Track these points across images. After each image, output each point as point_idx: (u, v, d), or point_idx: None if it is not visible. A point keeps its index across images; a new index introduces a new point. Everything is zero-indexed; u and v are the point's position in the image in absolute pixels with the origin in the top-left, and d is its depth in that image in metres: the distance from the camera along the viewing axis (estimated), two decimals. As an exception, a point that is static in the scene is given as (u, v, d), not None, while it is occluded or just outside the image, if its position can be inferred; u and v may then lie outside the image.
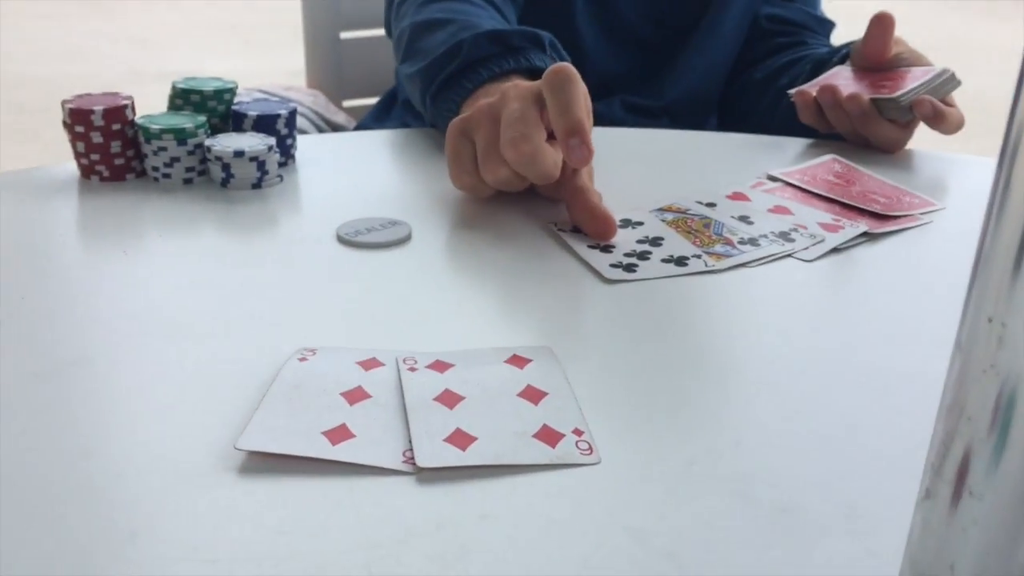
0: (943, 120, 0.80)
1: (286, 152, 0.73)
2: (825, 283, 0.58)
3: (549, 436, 0.40)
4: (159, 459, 0.38)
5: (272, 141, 0.69)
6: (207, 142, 0.69)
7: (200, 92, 0.73)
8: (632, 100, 1.11)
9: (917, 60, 0.88)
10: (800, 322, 0.53)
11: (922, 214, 0.68)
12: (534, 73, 0.72)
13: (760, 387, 0.45)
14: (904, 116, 0.81)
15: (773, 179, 0.73)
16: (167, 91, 0.74)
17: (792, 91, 0.87)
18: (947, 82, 0.81)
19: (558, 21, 1.04)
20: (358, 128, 1.24)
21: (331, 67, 1.35)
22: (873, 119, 0.81)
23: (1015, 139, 0.20)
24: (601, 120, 1.07)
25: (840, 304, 0.56)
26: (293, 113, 0.73)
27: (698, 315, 0.53)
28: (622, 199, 0.68)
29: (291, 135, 0.73)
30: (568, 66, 0.62)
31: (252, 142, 0.69)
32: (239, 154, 0.67)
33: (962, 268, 0.61)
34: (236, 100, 0.75)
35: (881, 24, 0.87)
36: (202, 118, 0.70)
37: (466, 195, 0.69)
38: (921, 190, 0.73)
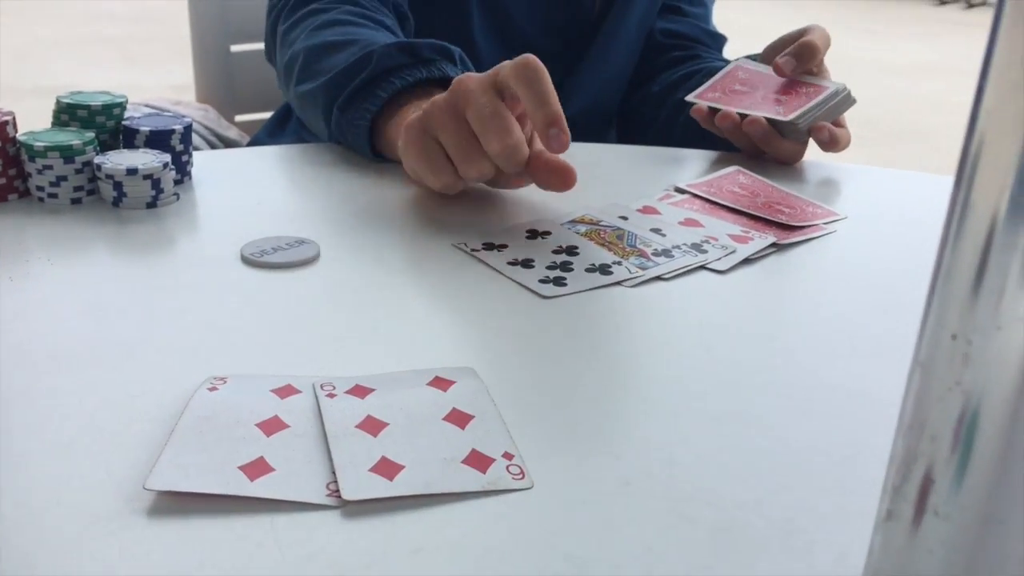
0: (836, 144, 0.82)
1: (182, 169, 0.70)
2: (740, 294, 0.58)
3: (479, 461, 0.39)
4: (59, 503, 0.35)
5: (167, 158, 0.66)
6: (96, 160, 0.65)
7: (88, 107, 0.69)
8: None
9: (820, 74, 0.90)
10: (719, 333, 0.53)
11: (825, 223, 0.69)
12: (445, 84, 0.70)
13: (687, 401, 0.45)
14: (801, 138, 0.83)
15: (680, 191, 0.73)
16: (48, 106, 0.70)
17: (689, 96, 0.88)
18: (844, 101, 0.83)
19: (454, 34, 1.03)
20: (252, 143, 1.20)
21: (221, 81, 1.31)
22: (773, 138, 0.83)
23: (973, 156, 0.20)
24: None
25: (756, 314, 0.56)
26: (189, 128, 0.70)
27: (620, 329, 0.53)
28: (531, 211, 0.68)
29: (187, 151, 0.70)
30: (534, 58, 0.63)
31: (146, 159, 0.65)
32: (132, 172, 0.64)
33: (869, 275, 0.62)
34: (126, 115, 0.71)
35: (808, 49, 0.88)
36: (90, 134, 0.66)
37: (372, 212, 0.67)
38: (819, 199, 0.74)
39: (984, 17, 8.06)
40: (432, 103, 0.65)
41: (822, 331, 0.54)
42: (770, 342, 0.52)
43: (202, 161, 0.76)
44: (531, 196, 0.72)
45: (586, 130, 1.13)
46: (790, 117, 0.81)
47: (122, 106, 0.71)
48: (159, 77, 3.95)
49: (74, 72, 4.18)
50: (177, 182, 0.70)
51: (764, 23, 7.06)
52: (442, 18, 1.04)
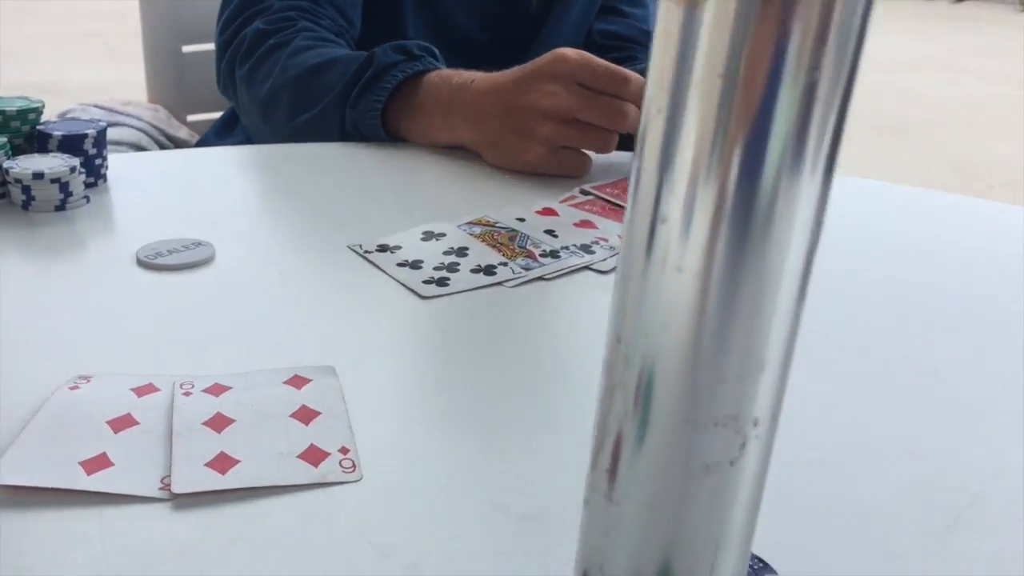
0: None
1: (95, 172, 0.72)
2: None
3: (314, 455, 0.41)
4: (-97, 497, 0.37)
5: (76, 162, 0.68)
6: (6, 164, 0.67)
7: (2, 112, 0.71)
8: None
9: None
10: (589, 333, 0.55)
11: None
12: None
13: (531, 397, 0.47)
14: None
15: (585, 193, 0.75)
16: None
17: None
18: None
19: (388, 30, 1.05)
20: (199, 144, 1.22)
21: (173, 81, 1.33)
22: None
23: (641, 139, 0.22)
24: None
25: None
26: (103, 132, 0.72)
27: (493, 328, 0.55)
28: (431, 213, 0.69)
29: (100, 155, 0.72)
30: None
31: (54, 163, 0.67)
32: (39, 176, 0.66)
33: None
34: (43, 120, 0.73)
35: None
36: (3, 139, 0.68)
37: (276, 215, 0.69)
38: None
39: (973, 11, 8.08)
40: (537, 129, 0.79)
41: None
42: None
43: (122, 164, 0.78)
44: (433, 197, 0.74)
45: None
46: None
47: (38, 111, 0.72)
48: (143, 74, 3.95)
49: (57, 69, 4.19)
50: (90, 185, 0.72)
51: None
52: (376, 15, 1.05)
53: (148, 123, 1.24)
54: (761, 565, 0.36)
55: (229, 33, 0.95)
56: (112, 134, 1.18)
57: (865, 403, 0.49)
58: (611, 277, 0.61)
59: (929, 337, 0.57)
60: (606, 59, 1.17)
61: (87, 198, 0.70)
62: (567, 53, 0.77)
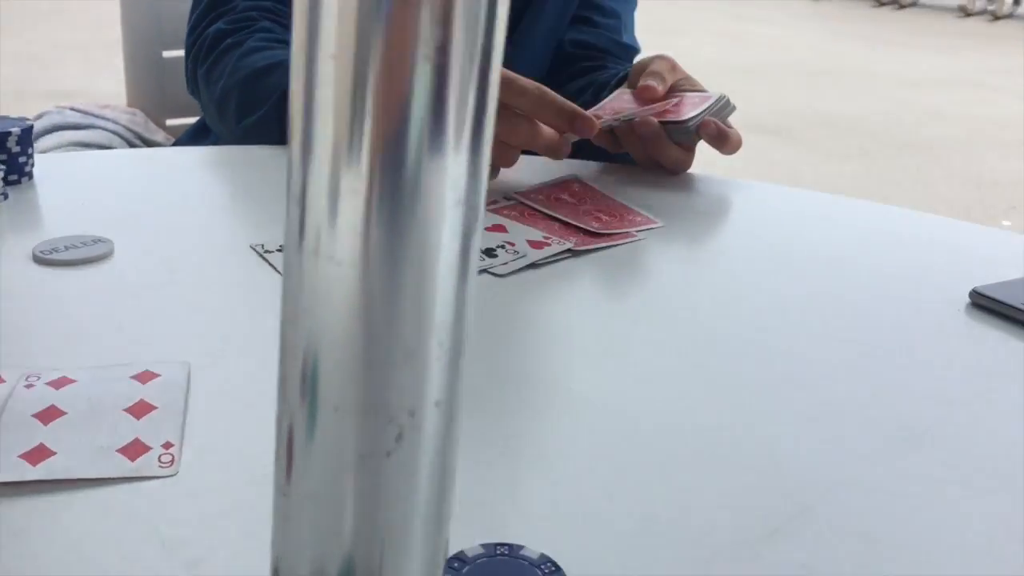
0: (726, 141, 0.83)
1: (18, 170, 0.73)
2: (510, 298, 0.59)
3: (135, 450, 0.41)
4: None
5: (-7, 159, 0.68)
6: (-77, 160, 0.68)
7: (-70, 109, 0.72)
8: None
9: (693, 86, 0.91)
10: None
11: (637, 231, 0.71)
12: None
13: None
14: (690, 139, 0.84)
15: (509, 199, 0.74)
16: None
17: None
18: (724, 107, 0.85)
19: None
20: (175, 146, 1.23)
21: (152, 86, 1.34)
22: (662, 142, 0.84)
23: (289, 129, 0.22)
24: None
25: (514, 318, 0.57)
26: (28, 130, 0.73)
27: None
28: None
29: (25, 152, 0.73)
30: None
31: (-30, 160, 0.68)
32: (-48, 172, 0.67)
33: (642, 285, 0.63)
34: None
35: (643, 90, 0.89)
36: (-73, 136, 0.69)
37: (185, 213, 0.69)
38: (660, 209, 0.75)
39: (1010, 30, 7.97)
40: None
41: (573, 336, 0.55)
42: (511, 346, 0.54)
43: (49, 163, 0.78)
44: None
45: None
46: (682, 118, 0.82)
47: (-33, 109, 0.73)
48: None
49: (84, 76, 4.26)
50: (13, 182, 0.72)
51: (790, 35, 7.06)
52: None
53: (124, 126, 1.26)
54: (553, 569, 0.35)
55: (196, 34, 0.96)
56: (83, 136, 1.19)
57: (709, 408, 0.48)
58: (509, 281, 0.61)
59: (792, 345, 0.56)
60: (577, 68, 1.17)
61: (5, 195, 0.70)
62: None
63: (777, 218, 0.79)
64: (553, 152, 0.76)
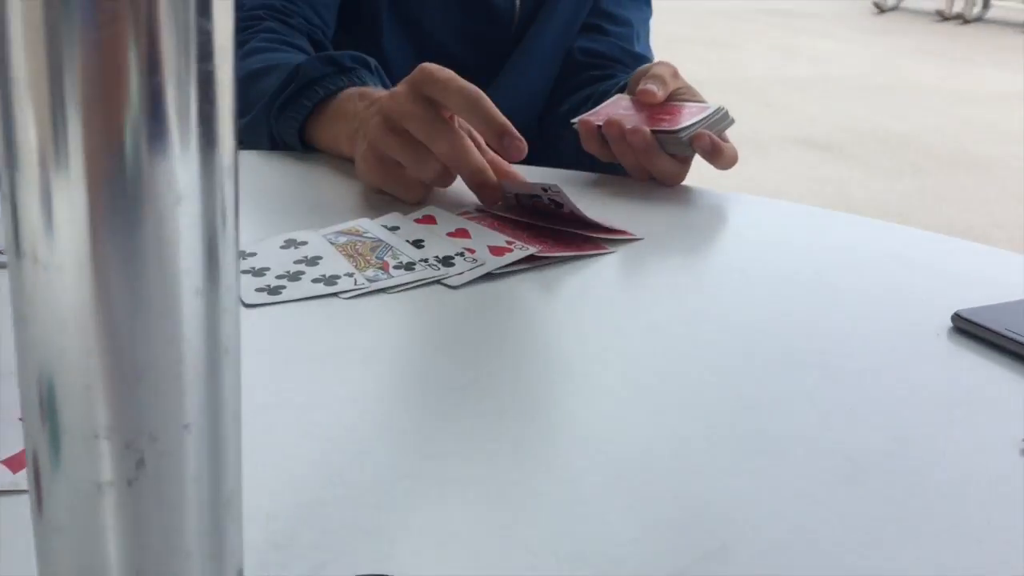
0: (720, 155, 0.80)
1: None
2: (460, 311, 0.57)
3: (19, 461, 0.39)
4: None
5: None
6: None
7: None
8: (441, 127, 1.10)
9: (693, 96, 0.88)
10: (404, 351, 0.52)
11: (606, 241, 0.68)
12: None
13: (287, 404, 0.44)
14: (684, 151, 0.81)
15: (480, 208, 0.72)
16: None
17: (575, 120, 0.87)
18: (721, 119, 0.82)
19: (363, 44, 1.04)
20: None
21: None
22: (654, 152, 0.81)
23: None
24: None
25: (472, 332, 0.55)
26: None
27: (313, 342, 0.52)
28: (327, 218, 0.67)
29: None
30: (462, 83, 0.70)
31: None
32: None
33: (612, 297, 0.60)
34: None
35: (643, 94, 0.86)
36: None
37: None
38: (649, 220, 0.72)
39: (1078, 45, 7.74)
40: (369, 128, 0.71)
41: (527, 350, 0.52)
42: (456, 361, 0.51)
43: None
44: (326, 204, 0.72)
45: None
46: (675, 128, 0.79)
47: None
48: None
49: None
50: None
51: (847, 49, 6.94)
52: (353, 27, 1.04)
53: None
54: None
55: None
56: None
57: (642, 433, 0.45)
58: (461, 293, 0.58)
59: (755, 368, 0.52)
60: (585, 77, 1.14)
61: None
62: (431, 68, 0.71)
63: (763, 233, 0.75)
64: (479, 190, 0.71)
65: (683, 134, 0.79)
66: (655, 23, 1.22)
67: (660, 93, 0.85)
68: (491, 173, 0.70)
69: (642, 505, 0.40)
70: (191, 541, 0.22)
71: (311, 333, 0.53)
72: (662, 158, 0.82)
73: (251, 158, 0.82)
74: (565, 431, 0.45)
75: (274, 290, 0.57)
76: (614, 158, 0.85)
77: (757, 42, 6.92)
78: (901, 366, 0.54)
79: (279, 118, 0.82)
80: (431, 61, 1.11)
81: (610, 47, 1.14)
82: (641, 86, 0.85)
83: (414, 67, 1.08)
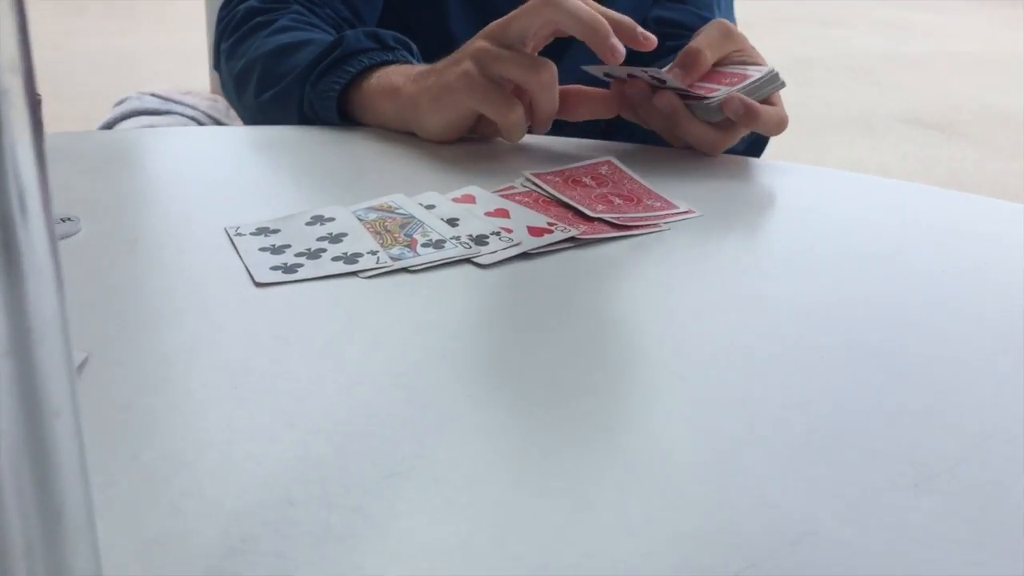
0: (756, 118, 0.73)
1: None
2: (485, 292, 0.52)
3: None
4: None
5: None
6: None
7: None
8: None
9: (752, 58, 0.81)
10: (406, 333, 0.47)
11: (664, 221, 0.62)
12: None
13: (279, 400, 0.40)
14: (715, 116, 0.74)
15: (527, 182, 0.67)
16: None
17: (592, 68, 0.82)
18: (769, 82, 0.74)
19: (429, 26, 1.00)
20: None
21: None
22: (684, 118, 0.75)
23: None
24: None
25: (499, 315, 0.50)
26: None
27: (320, 322, 0.48)
28: (363, 194, 0.63)
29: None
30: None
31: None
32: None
33: (662, 279, 0.55)
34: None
35: (686, 56, 0.80)
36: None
37: (167, 198, 0.65)
38: (700, 194, 0.66)
39: None
40: (470, 51, 0.73)
41: (539, 341, 0.47)
42: (474, 346, 0.46)
43: (65, 143, 0.76)
44: (367, 181, 0.68)
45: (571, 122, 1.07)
46: (707, 97, 0.73)
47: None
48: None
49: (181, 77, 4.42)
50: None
51: (960, 23, 6.61)
52: (417, 9, 1.00)
53: (203, 112, 1.25)
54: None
55: (229, 8, 0.93)
56: (157, 121, 1.19)
57: (698, 433, 0.39)
58: (491, 272, 0.54)
59: (815, 361, 0.46)
60: (663, 48, 1.07)
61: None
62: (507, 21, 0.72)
63: (839, 209, 0.68)
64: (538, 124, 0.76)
65: (711, 100, 0.72)
66: (760, 1, 1.15)
67: (707, 54, 0.78)
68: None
69: (673, 512, 0.34)
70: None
71: (320, 314, 0.49)
72: (695, 124, 0.75)
73: (286, 132, 0.79)
74: (590, 427, 0.40)
75: (290, 268, 0.53)
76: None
77: (865, 17, 6.65)
78: (981, 359, 0.46)
79: (315, 87, 0.79)
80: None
81: (687, 15, 1.07)
82: (685, 49, 0.78)
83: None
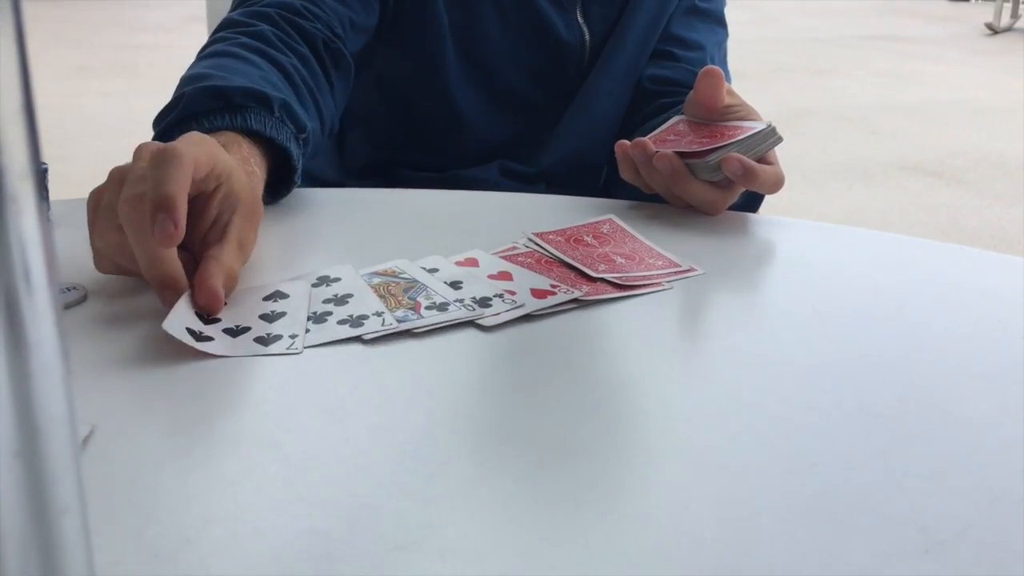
0: (754, 178, 0.73)
1: (30, 216, 0.71)
2: (487, 355, 0.52)
3: None
4: None
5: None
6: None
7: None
8: (510, 165, 1.07)
9: (748, 115, 0.82)
10: (431, 393, 0.47)
11: (667, 280, 0.62)
12: (250, 134, 0.69)
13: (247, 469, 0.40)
14: (715, 176, 0.75)
15: (530, 243, 0.67)
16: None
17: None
18: (766, 137, 0.75)
19: (427, 83, 1.01)
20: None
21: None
22: (684, 178, 0.76)
23: None
24: (478, 185, 1.02)
25: (503, 377, 0.50)
26: (42, 174, 0.71)
27: (324, 390, 0.48)
28: (360, 259, 0.64)
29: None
30: (171, 146, 0.56)
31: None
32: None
33: (665, 341, 0.55)
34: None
35: (709, 76, 0.82)
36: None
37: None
38: (697, 252, 0.66)
39: None
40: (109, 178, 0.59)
41: (543, 404, 0.47)
42: (480, 410, 0.46)
43: (67, 210, 0.76)
44: (388, 242, 0.68)
45: (567, 181, 1.07)
46: (701, 150, 0.74)
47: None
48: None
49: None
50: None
51: (959, 72, 6.68)
52: (414, 66, 1.01)
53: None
54: None
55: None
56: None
57: (678, 496, 0.39)
58: (495, 335, 0.54)
59: (821, 423, 0.46)
60: (657, 105, 1.08)
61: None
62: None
63: (839, 264, 0.68)
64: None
65: (710, 159, 0.73)
66: (754, 53, 1.16)
67: (722, 94, 0.78)
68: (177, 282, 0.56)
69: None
70: None
71: (326, 381, 0.49)
72: (694, 184, 0.75)
73: (289, 195, 0.79)
74: (597, 493, 0.40)
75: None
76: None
77: (863, 68, 6.72)
78: (990, 419, 0.46)
79: (156, 127, 0.73)
80: (497, 98, 1.07)
81: (681, 73, 1.08)
82: (698, 88, 0.79)
83: (480, 105, 1.05)
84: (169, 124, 0.72)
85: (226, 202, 0.60)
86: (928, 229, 3.37)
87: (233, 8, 0.91)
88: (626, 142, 0.79)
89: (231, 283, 0.57)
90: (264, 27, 0.84)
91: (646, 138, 0.79)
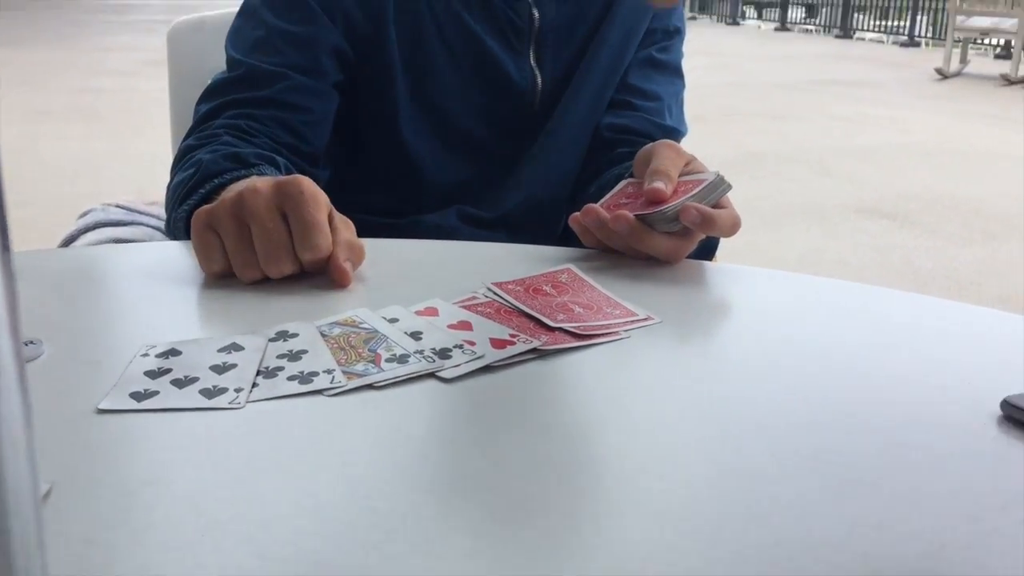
0: (712, 224, 0.75)
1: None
2: (448, 407, 0.53)
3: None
4: None
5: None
6: None
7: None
8: (468, 211, 1.07)
9: (697, 167, 0.83)
10: (391, 453, 0.47)
11: (624, 329, 0.63)
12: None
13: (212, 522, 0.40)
14: (674, 227, 0.76)
15: (489, 292, 0.68)
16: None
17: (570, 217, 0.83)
18: (715, 187, 0.77)
19: (379, 129, 1.02)
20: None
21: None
22: (643, 234, 0.77)
23: None
24: (438, 231, 1.03)
25: (465, 429, 0.50)
26: None
27: (283, 446, 0.48)
28: (332, 304, 0.64)
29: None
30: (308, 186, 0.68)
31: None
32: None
33: (621, 390, 0.55)
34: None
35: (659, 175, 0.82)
36: None
37: (107, 315, 0.65)
38: (655, 300, 0.67)
39: None
40: (221, 203, 0.69)
41: (504, 456, 0.48)
42: (442, 463, 0.46)
43: (34, 262, 0.76)
44: (337, 296, 0.68)
45: (526, 228, 1.08)
46: (662, 207, 0.75)
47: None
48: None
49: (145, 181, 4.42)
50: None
51: (911, 116, 6.84)
52: (365, 105, 1.02)
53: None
54: None
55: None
56: (123, 232, 1.19)
57: (634, 549, 0.40)
58: (455, 387, 0.54)
59: (779, 469, 0.46)
60: (615, 154, 1.10)
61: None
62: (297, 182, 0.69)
63: (793, 312, 0.69)
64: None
65: (668, 211, 0.75)
66: (712, 97, 1.19)
67: (668, 189, 0.79)
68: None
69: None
70: None
71: (286, 435, 0.49)
72: (654, 237, 0.77)
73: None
74: (557, 548, 0.40)
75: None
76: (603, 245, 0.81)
77: (818, 112, 6.86)
78: (940, 464, 0.47)
79: (176, 211, 0.83)
80: (453, 145, 1.08)
81: (639, 122, 1.10)
82: (648, 184, 0.80)
83: (435, 152, 1.06)
84: (190, 187, 0.80)
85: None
86: (883, 270, 3.43)
87: (185, 138, 0.94)
88: (578, 215, 0.80)
89: (357, 254, 0.72)
90: (227, 138, 0.89)
91: (598, 205, 0.80)
